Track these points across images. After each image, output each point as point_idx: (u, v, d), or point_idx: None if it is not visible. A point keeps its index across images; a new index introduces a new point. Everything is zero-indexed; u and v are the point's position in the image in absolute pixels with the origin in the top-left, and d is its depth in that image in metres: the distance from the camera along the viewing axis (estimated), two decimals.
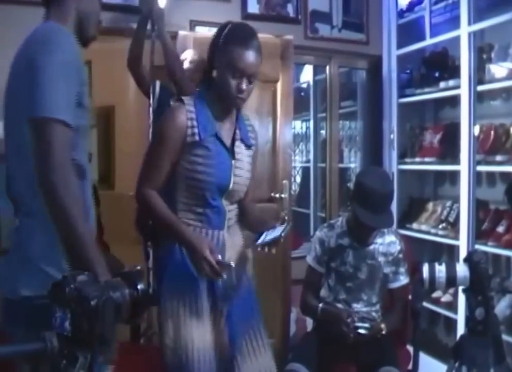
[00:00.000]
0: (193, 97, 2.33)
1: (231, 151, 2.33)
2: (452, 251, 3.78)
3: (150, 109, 3.45)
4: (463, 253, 3.58)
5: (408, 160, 4.49)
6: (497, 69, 3.60)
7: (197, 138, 2.24)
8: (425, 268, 2.44)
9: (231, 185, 2.32)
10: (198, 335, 2.26)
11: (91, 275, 1.47)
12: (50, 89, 1.65)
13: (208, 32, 3.79)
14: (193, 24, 4.03)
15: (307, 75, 5.76)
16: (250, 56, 2.22)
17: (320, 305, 2.89)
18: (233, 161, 2.33)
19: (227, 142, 2.33)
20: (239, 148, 2.37)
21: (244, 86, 2.22)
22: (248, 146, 2.42)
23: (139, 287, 1.56)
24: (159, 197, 2.28)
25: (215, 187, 2.27)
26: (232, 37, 2.25)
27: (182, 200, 2.31)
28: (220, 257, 2.21)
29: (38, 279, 1.67)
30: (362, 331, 2.79)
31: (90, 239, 1.67)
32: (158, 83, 3.46)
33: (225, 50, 2.23)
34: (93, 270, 1.58)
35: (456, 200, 3.87)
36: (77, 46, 1.80)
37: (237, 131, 2.38)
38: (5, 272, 1.81)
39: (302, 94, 5.88)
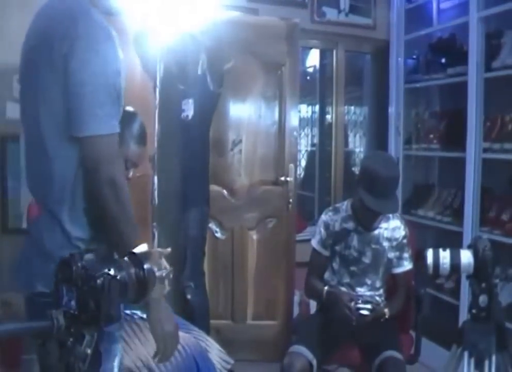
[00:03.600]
0: None
1: None
2: (455, 238, 3.77)
3: (157, 90, 3.44)
4: (466, 240, 3.58)
5: (413, 146, 4.49)
6: (506, 56, 3.57)
7: None
8: (429, 254, 2.44)
9: None
10: None
11: (98, 254, 1.47)
12: (94, 104, 1.60)
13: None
14: None
15: (313, 59, 5.72)
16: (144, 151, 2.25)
17: (326, 288, 2.91)
18: None
19: None
20: None
21: (130, 174, 2.20)
22: None
23: (145, 266, 1.57)
24: None
25: None
26: (131, 133, 2.21)
27: None
28: None
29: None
30: (364, 312, 2.80)
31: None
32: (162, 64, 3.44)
33: (123, 142, 2.03)
34: None
35: (461, 187, 3.86)
36: (112, 35, 1.68)
37: None
38: (23, 264, 1.82)
39: (308, 78, 5.86)
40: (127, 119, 2.26)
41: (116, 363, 1.73)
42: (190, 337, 2.35)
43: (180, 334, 2.28)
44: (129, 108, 2.38)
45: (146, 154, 2.34)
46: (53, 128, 1.67)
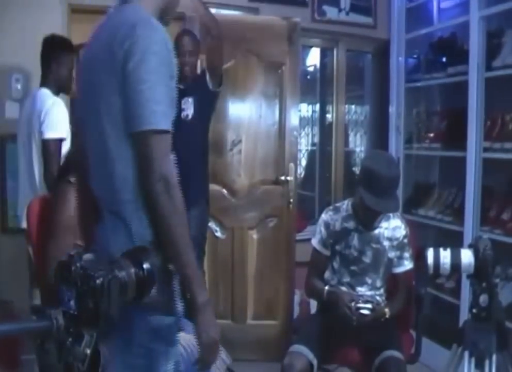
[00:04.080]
0: None
1: None
2: (456, 237, 3.76)
3: None
4: (467, 239, 3.57)
5: (414, 145, 4.48)
6: (507, 55, 3.57)
7: None
8: (430, 254, 2.44)
9: None
10: None
11: (97, 254, 1.47)
12: (151, 100, 1.62)
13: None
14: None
15: (314, 58, 5.71)
16: None
17: (326, 287, 2.90)
18: None
19: None
20: None
21: None
22: None
23: (144, 266, 1.56)
24: None
25: None
26: None
27: None
28: None
29: None
30: (364, 312, 2.79)
31: (189, 253, 1.74)
32: None
33: None
34: (187, 280, 1.68)
35: (462, 186, 3.85)
36: (169, 41, 1.70)
37: None
38: None
39: (309, 77, 5.85)
40: None
41: (171, 367, 1.71)
42: (191, 338, 2.33)
43: (183, 334, 2.29)
44: None
45: None
46: (114, 130, 1.67)
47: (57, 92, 3.34)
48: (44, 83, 3.32)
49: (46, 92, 3.29)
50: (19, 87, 3.68)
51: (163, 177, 1.61)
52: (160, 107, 1.62)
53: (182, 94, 3.51)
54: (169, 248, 1.66)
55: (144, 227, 1.69)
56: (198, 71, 3.73)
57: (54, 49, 3.34)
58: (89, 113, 1.77)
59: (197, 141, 3.57)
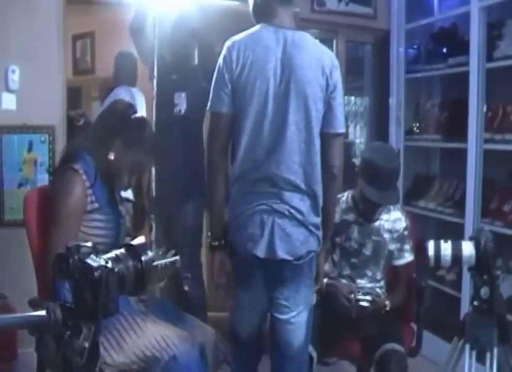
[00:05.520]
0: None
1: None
2: (457, 229, 3.75)
3: (155, 81, 3.42)
4: (468, 232, 3.56)
5: (414, 137, 4.46)
6: (507, 46, 3.54)
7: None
8: (430, 246, 2.43)
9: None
10: None
11: (95, 247, 1.45)
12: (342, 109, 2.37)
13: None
14: None
15: None
16: (150, 161, 2.41)
17: (325, 280, 2.88)
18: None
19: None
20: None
21: (133, 180, 2.40)
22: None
23: (143, 259, 1.54)
24: None
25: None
26: (141, 139, 2.32)
27: None
28: None
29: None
30: (364, 304, 2.78)
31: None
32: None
33: (132, 147, 2.29)
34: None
35: (462, 178, 3.83)
36: None
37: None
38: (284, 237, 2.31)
39: None
40: (137, 125, 2.28)
41: None
42: (185, 341, 2.30)
43: (176, 331, 2.28)
44: (140, 115, 2.39)
45: (152, 163, 2.38)
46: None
47: None
48: None
49: None
50: (15, 78, 3.65)
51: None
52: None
53: (175, 87, 3.50)
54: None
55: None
56: (193, 63, 3.70)
57: None
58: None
59: (191, 135, 3.55)
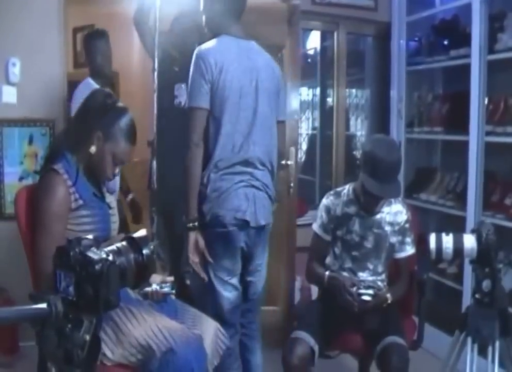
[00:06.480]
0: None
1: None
2: (458, 222, 3.74)
3: (155, 74, 3.40)
4: (469, 224, 3.55)
5: (415, 129, 4.45)
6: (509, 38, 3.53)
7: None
8: (432, 239, 2.43)
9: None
10: None
11: (96, 240, 1.45)
12: None
13: None
14: None
15: (314, 41, 5.68)
16: (132, 150, 2.40)
17: (327, 273, 2.88)
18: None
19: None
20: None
21: (117, 170, 2.40)
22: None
23: (144, 252, 1.54)
24: None
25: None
26: (121, 128, 2.33)
27: None
28: None
29: None
30: (366, 298, 2.77)
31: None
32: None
33: (112, 138, 2.31)
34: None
35: (464, 170, 3.83)
36: None
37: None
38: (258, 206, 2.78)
39: (309, 60, 5.81)
40: (116, 115, 2.28)
41: None
42: (182, 334, 2.30)
43: (173, 324, 2.28)
44: (120, 104, 2.38)
45: (133, 153, 2.37)
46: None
47: None
48: None
49: None
50: (16, 71, 3.64)
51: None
52: None
53: (175, 79, 3.48)
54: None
55: None
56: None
57: None
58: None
59: None
